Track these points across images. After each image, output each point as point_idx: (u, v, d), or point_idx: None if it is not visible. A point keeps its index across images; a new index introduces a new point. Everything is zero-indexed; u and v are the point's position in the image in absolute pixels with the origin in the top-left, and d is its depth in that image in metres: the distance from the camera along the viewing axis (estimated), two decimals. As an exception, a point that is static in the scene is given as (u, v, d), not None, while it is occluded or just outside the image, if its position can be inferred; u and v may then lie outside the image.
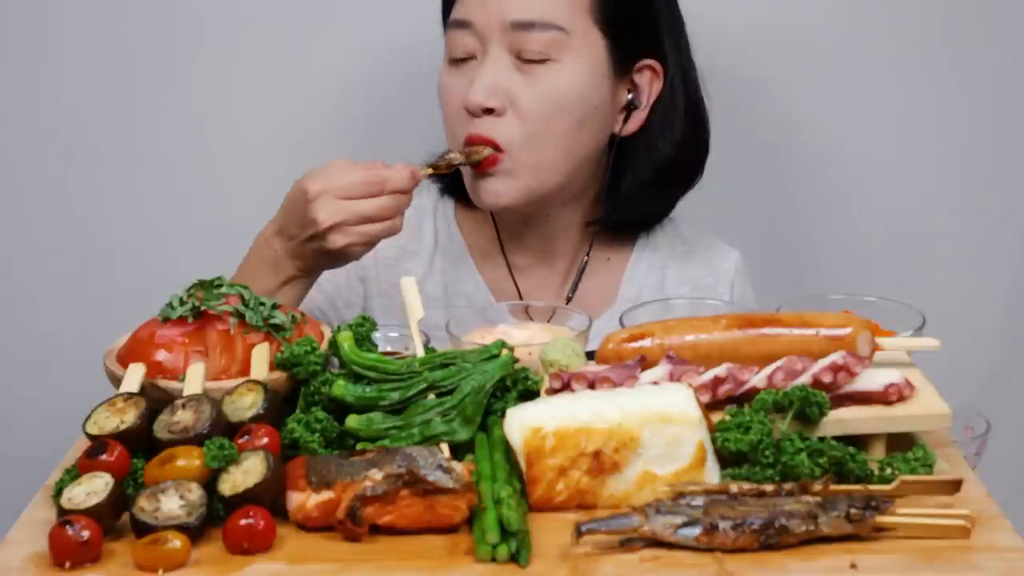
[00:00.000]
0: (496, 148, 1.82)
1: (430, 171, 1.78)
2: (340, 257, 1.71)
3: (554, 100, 1.83)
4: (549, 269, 1.99)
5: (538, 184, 1.86)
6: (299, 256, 1.71)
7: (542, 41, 1.81)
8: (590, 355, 1.47)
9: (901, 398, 1.35)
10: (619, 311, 1.89)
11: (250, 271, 1.73)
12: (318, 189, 1.67)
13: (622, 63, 1.88)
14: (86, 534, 1.17)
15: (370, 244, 1.70)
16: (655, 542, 1.19)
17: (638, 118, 1.92)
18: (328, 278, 1.96)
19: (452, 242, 2.01)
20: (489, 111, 1.82)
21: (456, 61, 1.86)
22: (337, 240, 1.67)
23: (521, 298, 1.95)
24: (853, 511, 1.19)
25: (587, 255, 1.99)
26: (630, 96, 1.91)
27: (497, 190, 1.84)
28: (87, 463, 1.23)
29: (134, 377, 1.36)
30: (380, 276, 1.98)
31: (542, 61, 1.82)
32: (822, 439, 1.28)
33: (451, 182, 2.01)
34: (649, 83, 1.91)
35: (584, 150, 1.88)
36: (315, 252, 1.70)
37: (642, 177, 1.94)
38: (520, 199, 1.86)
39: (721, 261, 2.03)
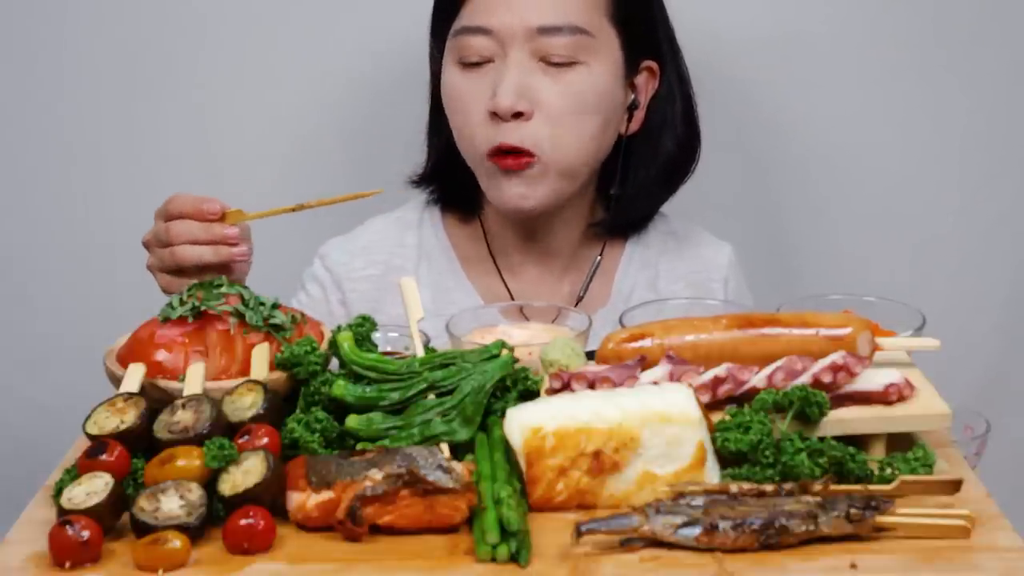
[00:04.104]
0: (528, 154, 1.81)
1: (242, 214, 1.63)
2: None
3: (583, 101, 1.82)
4: (545, 271, 1.98)
5: (564, 187, 1.86)
6: None
7: (568, 45, 1.80)
8: (590, 355, 1.47)
9: (901, 398, 1.35)
10: (613, 309, 1.89)
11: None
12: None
13: (631, 64, 1.88)
14: (86, 534, 1.17)
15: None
16: (655, 542, 1.19)
17: (638, 118, 1.92)
18: (305, 304, 1.95)
19: (440, 251, 2.00)
20: (518, 115, 1.80)
21: (470, 65, 1.83)
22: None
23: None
24: (853, 511, 1.19)
25: (600, 255, 1.98)
26: (632, 96, 1.91)
27: (524, 193, 1.83)
28: (87, 463, 1.24)
29: (134, 377, 1.36)
30: (365, 296, 1.96)
31: (569, 64, 1.81)
32: (822, 439, 1.28)
33: (440, 191, 2.00)
34: (646, 82, 1.92)
35: (602, 152, 1.89)
36: None
37: (648, 175, 1.94)
38: (545, 202, 1.85)
39: (714, 255, 2.03)
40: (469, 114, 1.84)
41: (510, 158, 1.81)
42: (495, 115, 1.80)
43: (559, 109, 1.81)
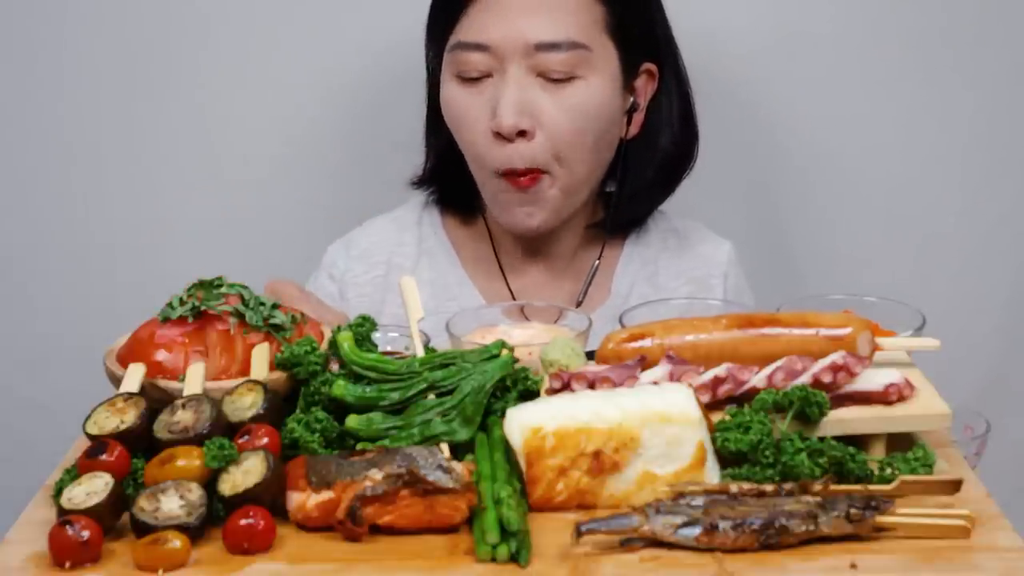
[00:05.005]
0: (538, 171, 1.81)
1: None
2: None
3: (583, 117, 1.82)
4: (546, 271, 1.98)
5: (569, 204, 1.87)
6: None
7: (567, 61, 1.80)
8: (590, 355, 1.47)
9: (901, 398, 1.35)
10: (613, 307, 1.89)
11: None
12: None
13: (629, 70, 1.88)
14: (86, 534, 1.17)
15: None
16: (655, 542, 1.19)
17: (638, 120, 1.92)
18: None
19: (440, 250, 2.00)
20: (522, 133, 1.80)
21: (469, 80, 1.83)
22: None
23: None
24: (853, 511, 1.19)
25: (599, 255, 1.98)
26: (632, 99, 1.91)
27: (530, 211, 1.84)
28: (87, 463, 1.23)
29: (134, 377, 1.36)
30: (372, 299, 1.96)
31: (568, 80, 1.80)
32: (822, 439, 1.28)
33: (440, 192, 2.00)
34: (646, 85, 1.92)
35: (605, 161, 1.89)
36: None
37: (646, 175, 1.94)
38: (551, 221, 1.87)
39: (714, 252, 2.02)
40: (473, 132, 1.84)
41: (523, 178, 1.82)
42: (498, 134, 1.80)
43: (561, 125, 1.81)
